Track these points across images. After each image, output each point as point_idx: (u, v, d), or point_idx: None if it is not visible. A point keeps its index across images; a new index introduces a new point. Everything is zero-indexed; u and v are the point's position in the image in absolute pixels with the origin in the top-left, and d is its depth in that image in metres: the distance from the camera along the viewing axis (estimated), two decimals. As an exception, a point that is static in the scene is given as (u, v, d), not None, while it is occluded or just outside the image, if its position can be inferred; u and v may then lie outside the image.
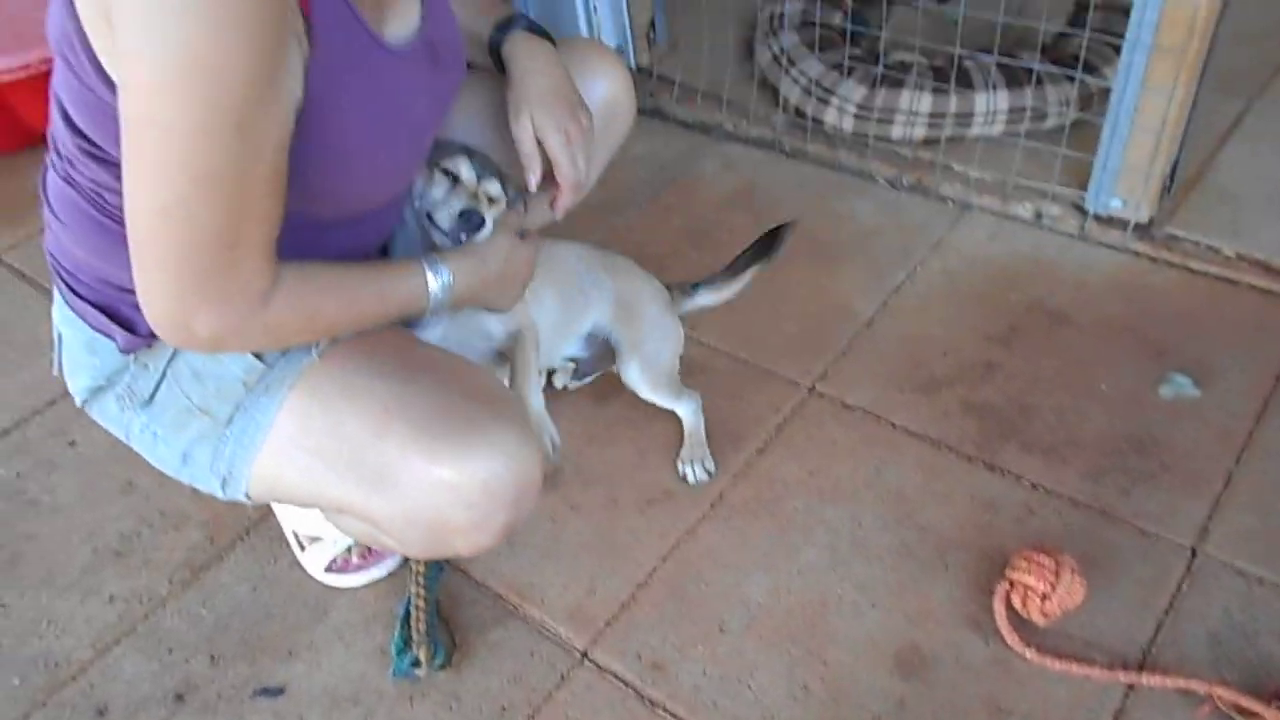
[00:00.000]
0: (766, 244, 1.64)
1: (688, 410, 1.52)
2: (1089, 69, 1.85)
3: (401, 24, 0.98)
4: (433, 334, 1.21)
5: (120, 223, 0.94)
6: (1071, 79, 1.88)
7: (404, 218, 1.17)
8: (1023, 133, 1.92)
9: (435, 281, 1.06)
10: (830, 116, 2.04)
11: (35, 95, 2.15)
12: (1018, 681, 1.18)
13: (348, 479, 0.98)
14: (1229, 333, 1.60)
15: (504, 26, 1.20)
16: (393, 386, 0.98)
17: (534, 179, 1.19)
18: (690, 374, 1.63)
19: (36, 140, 2.34)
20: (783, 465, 1.48)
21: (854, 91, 2.00)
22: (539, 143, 1.17)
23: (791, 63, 2.11)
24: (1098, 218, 1.80)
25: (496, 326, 1.29)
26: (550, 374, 1.58)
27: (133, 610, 1.38)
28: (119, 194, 0.91)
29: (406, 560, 1.35)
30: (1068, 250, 1.80)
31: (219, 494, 1.05)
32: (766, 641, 1.26)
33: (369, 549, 1.37)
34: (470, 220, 1.12)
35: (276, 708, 1.25)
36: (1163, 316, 1.64)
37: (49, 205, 1.03)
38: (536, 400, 1.27)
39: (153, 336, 1.04)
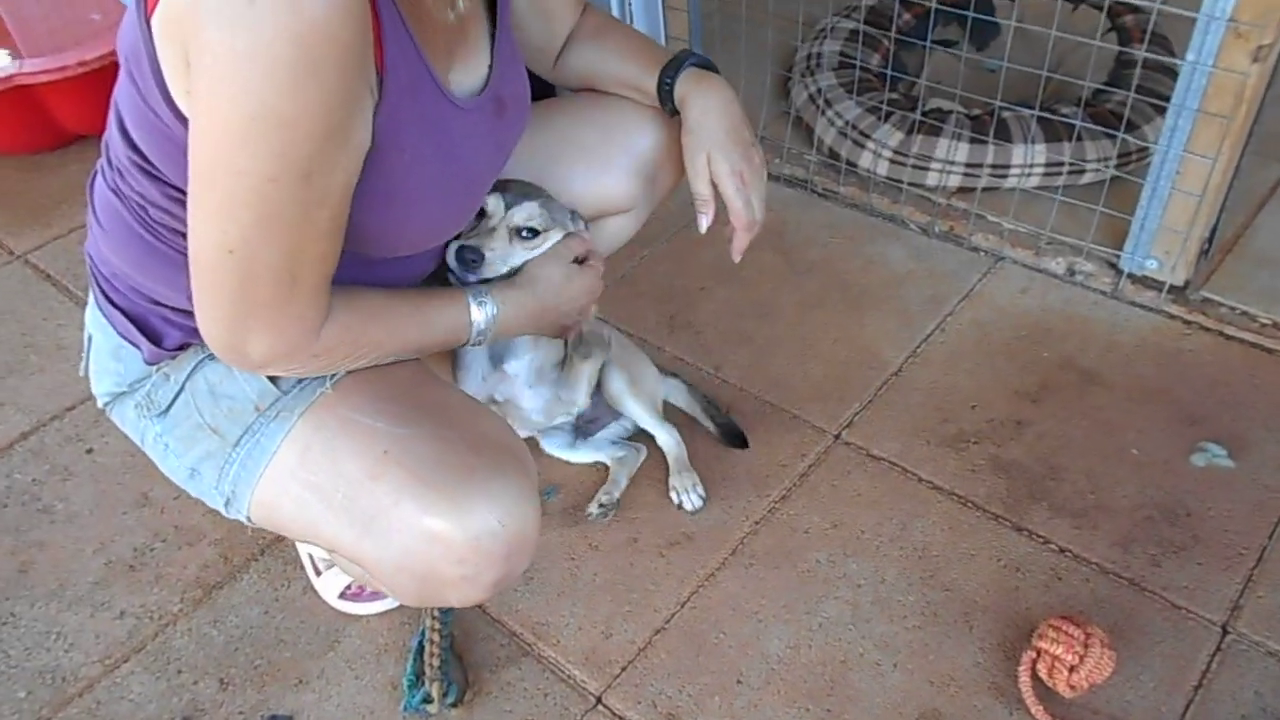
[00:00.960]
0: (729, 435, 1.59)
1: (669, 437, 1.51)
2: (1130, 127, 1.84)
3: (470, 75, 0.98)
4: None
5: (161, 239, 0.95)
6: (1111, 136, 1.87)
7: None
8: (1059, 187, 1.90)
9: (479, 312, 1.06)
10: (865, 160, 2.03)
11: (70, 97, 2.15)
12: (1042, 755, 1.16)
13: (341, 519, 0.97)
14: (1264, 402, 1.58)
15: (672, 68, 1.19)
16: (395, 429, 0.97)
17: (705, 220, 1.19)
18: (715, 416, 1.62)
19: (69, 140, 2.34)
20: (806, 514, 1.46)
21: (890, 136, 1.99)
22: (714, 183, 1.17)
23: (828, 104, 2.11)
24: (1132, 277, 1.78)
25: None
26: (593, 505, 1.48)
27: (143, 627, 1.36)
28: (165, 210, 0.92)
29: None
30: (1100, 308, 1.78)
31: (224, 512, 1.05)
32: (785, 698, 1.23)
33: (384, 578, 1.35)
34: (464, 258, 1.11)
35: (284, 737, 1.23)
36: (1196, 382, 1.62)
37: (93, 209, 1.03)
38: None
39: (178, 350, 1.05)
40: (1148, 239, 1.73)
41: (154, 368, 1.06)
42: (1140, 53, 1.79)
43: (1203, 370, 1.65)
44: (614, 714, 1.23)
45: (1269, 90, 1.55)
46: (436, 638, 1.26)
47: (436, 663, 1.25)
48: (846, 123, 2.05)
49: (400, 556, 0.96)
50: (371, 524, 0.95)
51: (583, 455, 1.55)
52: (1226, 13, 1.46)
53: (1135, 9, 2.09)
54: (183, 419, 1.04)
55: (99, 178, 1.02)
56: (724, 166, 1.15)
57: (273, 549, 1.45)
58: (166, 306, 1.02)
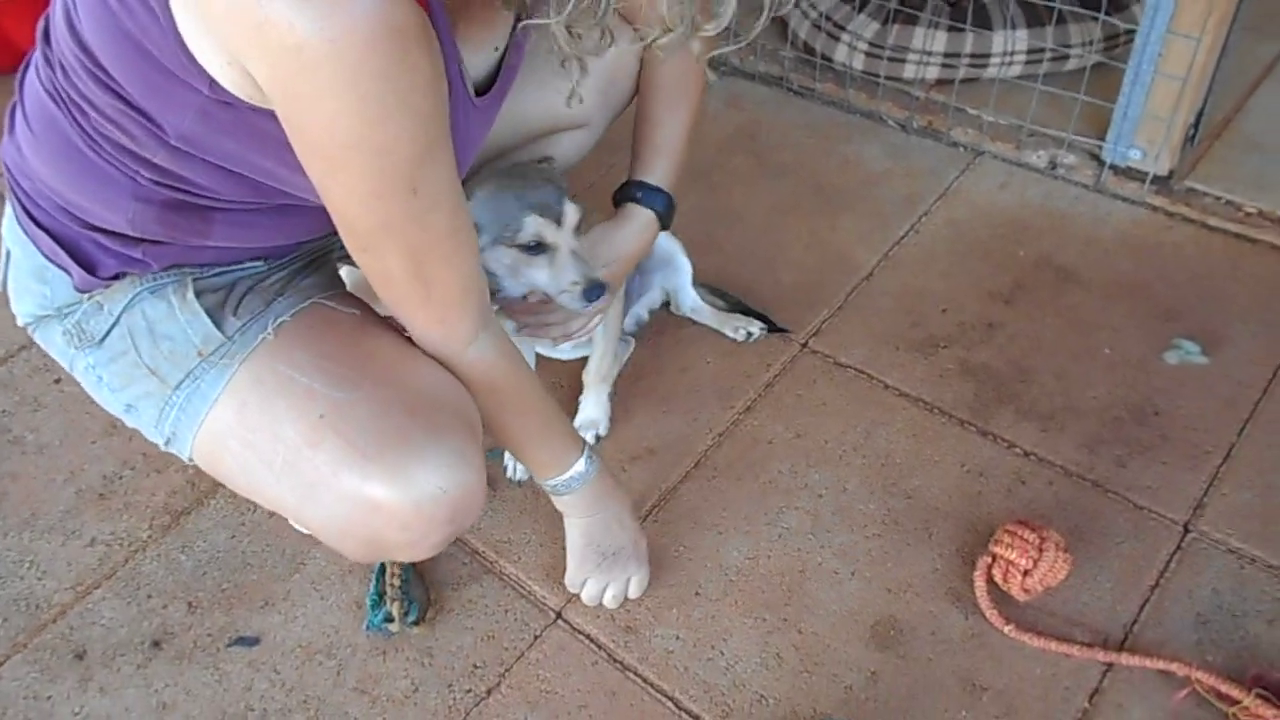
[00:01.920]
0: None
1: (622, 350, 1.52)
2: (1117, 7, 1.75)
3: (479, 58, 0.96)
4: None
5: (101, 154, 0.88)
6: (1096, 18, 1.77)
7: None
8: (1041, 75, 1.82)
9: (588, 467, 1.16)
10: (840, 54, 1.94)
11: (26, 17, 2.08)
12: (994, 657, 1.16)
13: (283, 484, 0.96)
14: (1243, 295, 1.53)
15: (635, 189, 1.23)
16: (332, 392, 0.94)
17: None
18: (681, 325, 1.59)
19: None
20: (769, 425, 1.44)
21: (865, 28, 1.90)
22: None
23: (803, -6, 2.01)
24: (1115, 168, 1.72)
25: None
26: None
27: (113, 554, 1.38)
28: (112, 122, 0.85)
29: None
30: (1081, 202, 1.72)
31: (162, 448, 1.03)
32: (742, 608, 1.24)
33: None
34: (592, 296, 1.11)
35: (251, 657, 1.25)
36: (1175, 276, 1.58)
37: (22, 109, 0.95)
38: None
39: (114, 278, 0.99)
40: (1130, 127, 1.66)
41: (85, 295, 1.00)
42: (1127, -74, 1.69)
43: (1183, 264, 1.60)
44: (573, 628, 1.25)
45: (1260, -37, 1.46)
46: (397, 558, 1.27)
47: (398, 582, 1.26)
48: (821, 14, 1.96)
49: (344, 524, 0.96)
50: (312, 491, 0.94)
51: (576, 351, 1.53)
52: (1212, -121, 1.36)
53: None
54: (119, 354, 1.00)
55: (32, 73, 0.93)
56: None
57: (238, 474, 1.46)
58: (102, 231, 0.95)
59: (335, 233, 0.89)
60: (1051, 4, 1.77)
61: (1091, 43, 1.82)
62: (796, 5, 2.02)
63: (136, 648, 1.27)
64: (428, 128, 0.79)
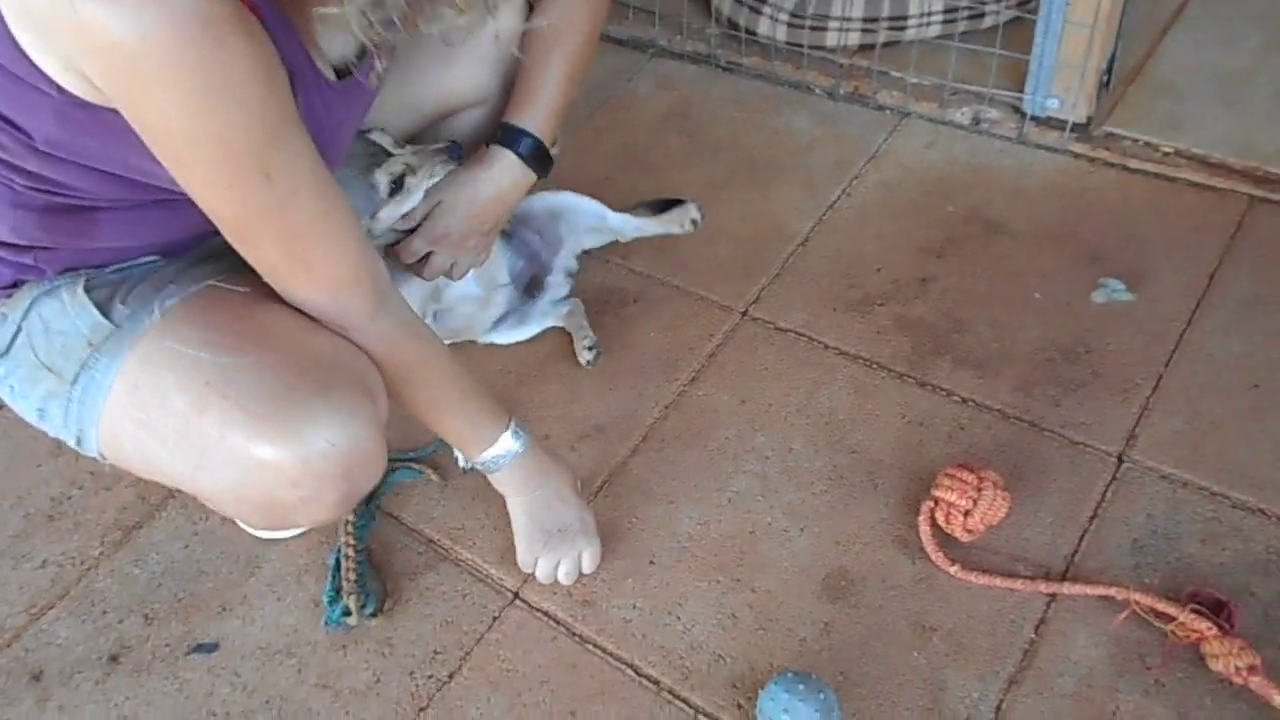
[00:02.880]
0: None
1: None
2: (1026, -38, 1.78)
3: (342, 43, 0.96)
4: None
5: None
6: (1008, -26, 1.81)
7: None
8: (959, 34, 1.85)
9: (514, 442, 1.19)
10: (763, 27, 1.96)
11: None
12: (942, 598, 1.19)
13: (175, 455, 0.95)
14: (1165, 233, 1.57)
15: (499, 130, 1.24)
16: (219, 359, 0.94)
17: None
18: (623, 304, 1.61)
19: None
20: (715, 393, 1.46)
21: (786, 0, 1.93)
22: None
23: (722, -30, 2.03)
24: (1035, 119, 1.75)
25: None
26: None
27: (65, 574, 1.37)
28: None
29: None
30: (1006, 155, 1.76)
31: (79, 450, 1.02)
32: (696, 573, 1.26)
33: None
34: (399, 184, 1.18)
35: (211, 664, 1.25)
36: (1099, 219, 1.61)
37: None
38: None
39: (11, 287, 1.00)
40: (1046, 77, 1.69)
41: None
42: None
43: (1105, 207, 1.63)
44: (531, 606, 1.26)
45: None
46: (351, 552, 1.28)
47: (353, 576, 1.26)
48: (741, -11, 1.98)
49: (236, 487, 0.95)
50: (203, 458, 0.94)
51: (535, 326, 1.56)
52: None
53: None
54: (23, 359, 1.00)
55: None
56: (445, 248, 1.30)
57: (188, 485, 1.45)
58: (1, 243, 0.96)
59: None
60: (963, -37, 1.80)
61: (1006, -1, 1.85)
62: (717, -18, 2.04)
63: (94, 664, 1.27)
64: (264, 114, 0.80)
